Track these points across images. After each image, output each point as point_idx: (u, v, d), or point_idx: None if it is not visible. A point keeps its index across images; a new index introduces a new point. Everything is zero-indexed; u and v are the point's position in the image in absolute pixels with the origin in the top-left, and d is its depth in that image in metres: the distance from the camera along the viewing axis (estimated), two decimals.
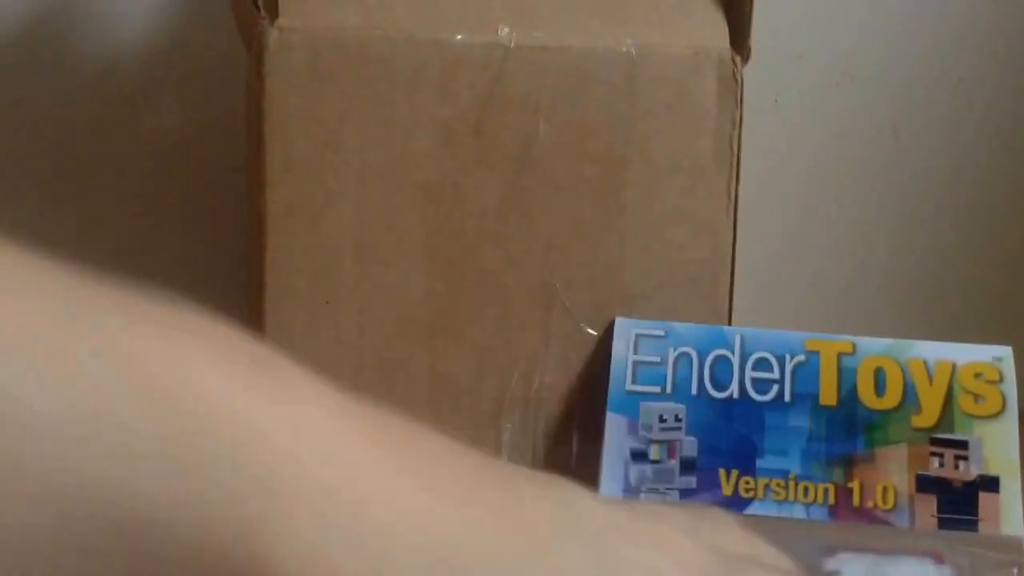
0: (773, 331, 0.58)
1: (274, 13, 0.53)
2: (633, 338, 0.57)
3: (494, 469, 0.30)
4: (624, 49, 0.57)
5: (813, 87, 0.86)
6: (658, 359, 0.57)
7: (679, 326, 0.58)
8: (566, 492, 0.31)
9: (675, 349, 0.57)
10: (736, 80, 0.58)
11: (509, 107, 0.55)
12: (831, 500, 0.54)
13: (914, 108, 0.88)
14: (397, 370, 0.56)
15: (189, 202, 0.79)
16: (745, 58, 0.59)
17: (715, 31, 0.59)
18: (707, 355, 0.57)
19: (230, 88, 0.78)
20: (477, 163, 0.56)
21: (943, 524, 0.53)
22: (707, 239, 0.59)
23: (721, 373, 0.57)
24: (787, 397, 0.56)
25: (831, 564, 0.47)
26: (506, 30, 0.55)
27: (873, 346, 0.57)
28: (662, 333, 0.58)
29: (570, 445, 0.59)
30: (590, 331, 0.58)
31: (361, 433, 0.27)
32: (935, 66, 0.88)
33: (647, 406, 0.56)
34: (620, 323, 0.58)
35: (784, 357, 0.57)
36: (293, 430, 0.24)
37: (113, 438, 0.21)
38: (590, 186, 0.57)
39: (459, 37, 0.54)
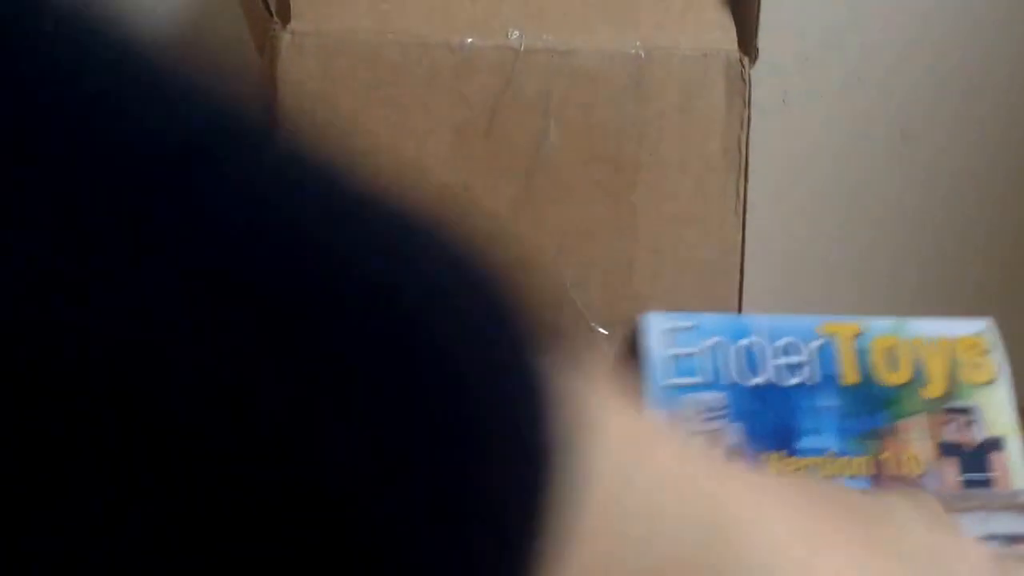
0: (789, 316, 0.61)
1: (286, 17, 0.53)
2: (664, 332, 0.58)
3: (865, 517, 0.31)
4: (632, 51, 0.57)
5: (821, 88, 0.87)
6: (693, 350, 0.58)
7: (705, 317, 0.59)
8: (896, 516, 0.32)
9: (706, 340, 0.59)
10: (744, 81, 0.59)
11: (519, 110, 0.56)
12: (871, 472, 0.58)
13: (922, 109, 0.88)
14: None
15: None
16: (753, 59, 0.59)
17: (723, 32, 0.59)
18: (737, 344, 0.59)
19: None
20: (489, 165, 0.56)
21: (966, 484, 0.58)
22: (716, 238, 0.59)
23: (751, 361, 0.59)
24: (814, 379, 0.59)
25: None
26: (516, 33, 0.56)
27: (878, 326, 0.60)
28: (691, 325, 0.59)
29: None
30: (601, 330, 0.58)
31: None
32: (943, 68, 0.88)
33: (688, 398, 0.57)
34: (649, 317, 0.59)
35: (805, 342, 0.60)
36: None
37: None
38: (600, 187, 0.57)
39: (470, 40, 0.55)
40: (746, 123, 0.59)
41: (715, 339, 0.59)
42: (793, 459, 0.58)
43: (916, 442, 0.59)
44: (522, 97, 0.56)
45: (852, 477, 0.58)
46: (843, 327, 0.61)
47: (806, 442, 0.58)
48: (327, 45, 0.53)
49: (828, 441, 0.58)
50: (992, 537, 0.49)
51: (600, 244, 0.58)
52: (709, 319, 0.59)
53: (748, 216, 0.60)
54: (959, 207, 0.91)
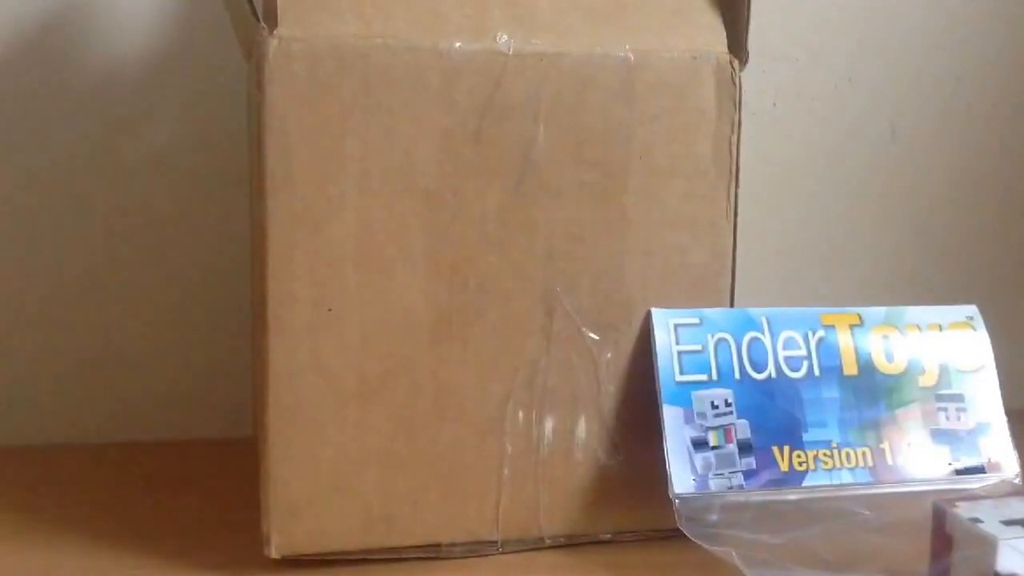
0: (792, 309, 0.62)
1: (273, 23, 0.53)
2: (672, 328, 0.59)
3: None
4: (622, 54, 0.57)
5: (811, 89, 0.87)
6: (699, 347, 0.59)
7: (710, 312, 0.59)
8: None
9: (712, 336, 0.59)
10: (734, 83, 0.59)
11: (509, 114, 0.56)
12: (870, 462, 0.60)
13: (912, 109, 0.88)
14: (400, 377, 0.56)
15: (192, 210, 0.79)
16: (743, 62, 0.59)
17: (713, 35, 0.59)
18: (742, 338, 0.59)
19: (232, 97, 0.78)
20: (477, 170, 0.56)
21: (958, 472, 0.61)
22: (707, 242, 0.59)
23: (756, 355, 0.60)
24: (816, 372, 0.61)
25: (959, 509, 0.52)
26: (505, 37, 0.56)
27: (875, 315, 0.63)
28: (698, 321, 0.59)
29: (572, 448, 0.59)
30: (592, 335, 0.58)
31: None
32: (932, 67, 0.88)
33: (698, 394, 0.58)
34: (657, 314, 0.59)
35: (807, 334, 0.61)
36: None
37: None
38: (590, 191, 0.57)
39: (458, 45, 0.55)
40: (737, 126, 0.59)
41: (719, 335, 0.60)
42: (799, 452, 0.59)
43: (912, 430, 0.61)
44: (511, 101, 0.56)
45: (853, 469, 0.60)
46: (842, 317, 0.62)
47: (811, 434, 0.60)
48: (314, 51, 0.53)
49: (831, 433, 0.60)
50: (1010, 522, 0.50)
51: (590, 248, 0.58)
52: (714, 313, 0.60)
53: (739, 219, 0.60)
54: (951, 205, 0.91)
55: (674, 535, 0.57)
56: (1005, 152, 0.90)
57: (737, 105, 0.59)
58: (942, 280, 0.90)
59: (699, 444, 0.58)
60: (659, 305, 0.59)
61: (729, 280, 0.60)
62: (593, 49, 0.57)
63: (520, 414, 0.58)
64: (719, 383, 0.59)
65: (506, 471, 0.58)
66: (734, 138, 0.59)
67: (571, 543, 0.60)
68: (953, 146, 0.89)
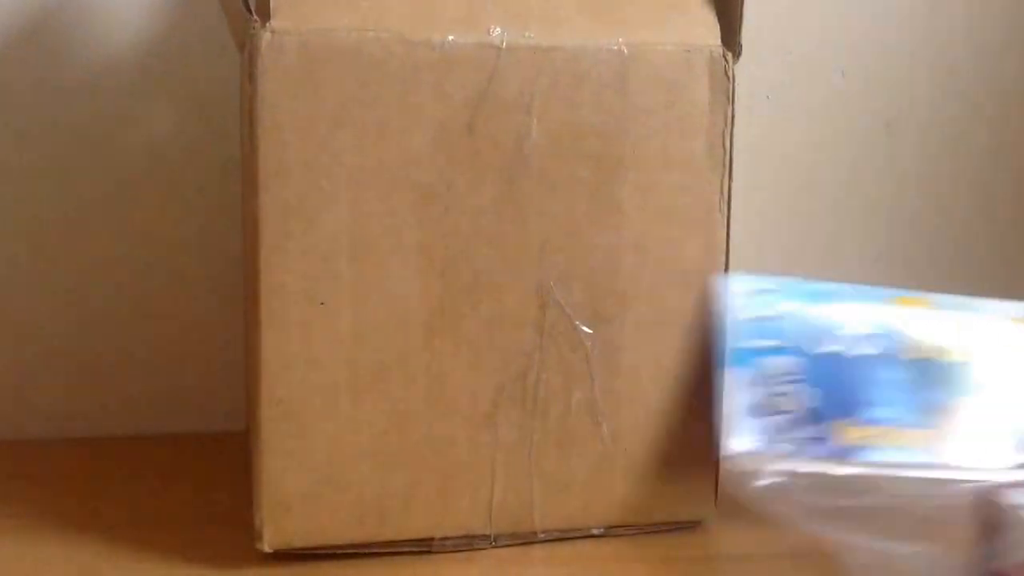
0: (865, 287, 0.62)
1: (266, 15, 0.53)
2: (745, 293, 0.59)
3: None
4: (616, 48, 0.57)
5: (805, 83, 0.87)
6: (771, 314, 0.59)
7: (785, 281, 0.59)
8: None
9: (785, 304, 0.59)
10: (728, 77, 0.59)
11: (502, 107, 0.56)
12: (930, 445, 0.59)
13: (905, 101, 0.88)
14: (393, 370, 0.56)
15: (186, 203, 0.79)
16: (737, 55, 0.59)
17: (707, 29, 0.59)
18: (814, 310, 0.59)
19: (224, 89, 0.78)
20: (471, 163, 0.56)
21: (1021, 464, 0.60)
22: (701, 235, 0.59)
23: (827, 328, 0.60)
24: (884, 351, 0.60)
25: (1011, 496, 0.52)
26: (498, 30, 0.55)
27: (945, 302, 0.62)
28: (772, 288, 0.59)
29: (565, 442, 0.59)
30: (585, 329, 0.58)
31: None
32: (925, 59, 0.88)
33: (766, 361, 0.58)
34: (733, 278, 0.59)
35: (878, 313, 0.61)
36: None
37: None
38: (584, 185, 0.57)
39: (451, 38, 0.55)
40: (730, 119, 0.59)
41: (792, 304, 0.59)
42: (860, 428, 0.59)
43: (974, 419, 0.61)
44: (504, 94, 0.56)
45: (913, 449, 0.59)
46: (913, 300, 0.62)
47: (876, 412, 0.59)
48: (307, 43, 0.53)
49: (896, 412, 0.59)
50: None
51: (584, 242, 0.58)
52: (787, 283, 0.59)
53: (733, 212, 0.60)
54: (944, 197, 0.91)
55: (667, 529, 0.57)
56: (999, 144, 0.90)
57: (730, 98, 0.59)
58: (935, 272, 0.90)
59: (760, 409, 0.57)
60: (653, 298, 0.59)
61: (723, 273, 0.60)
62: (587, 42, 0.57)
63: (514, 408, 0.58)
64: (787, 351, 0.59)
65: (499, 465, 0.58)
66: (727, 131, 0.59)
67: (564, 537, 0.60)
68: (947, 139, 0.89)
